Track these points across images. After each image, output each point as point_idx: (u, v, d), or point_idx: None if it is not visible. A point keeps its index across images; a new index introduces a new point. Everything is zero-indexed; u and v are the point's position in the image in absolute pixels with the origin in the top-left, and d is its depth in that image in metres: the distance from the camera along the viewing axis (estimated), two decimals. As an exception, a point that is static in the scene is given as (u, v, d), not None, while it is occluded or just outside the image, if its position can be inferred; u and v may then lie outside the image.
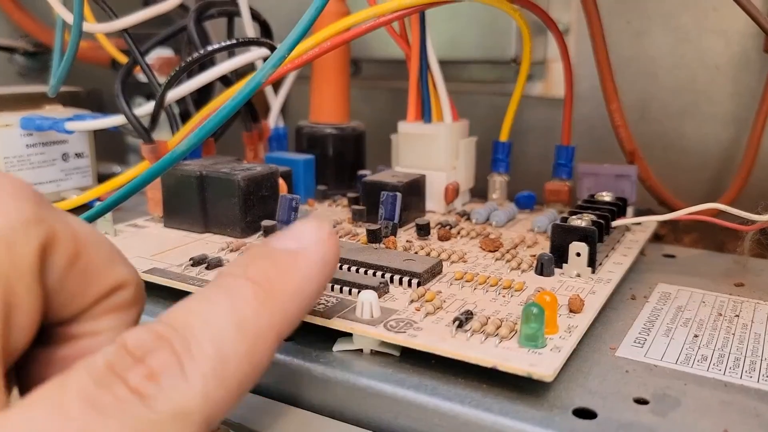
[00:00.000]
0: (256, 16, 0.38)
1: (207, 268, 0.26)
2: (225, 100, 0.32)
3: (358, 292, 0.22)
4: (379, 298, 0.23)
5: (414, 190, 0.33)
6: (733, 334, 0.23)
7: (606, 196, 0.30)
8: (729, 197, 0.39)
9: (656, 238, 0.35)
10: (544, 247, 0.29)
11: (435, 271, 0.25)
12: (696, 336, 0.23)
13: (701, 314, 0.25)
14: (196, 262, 0.26)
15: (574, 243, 0.25)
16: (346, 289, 0.23)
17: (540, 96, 0.48)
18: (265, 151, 0.40)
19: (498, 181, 0.37)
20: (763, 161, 0.41)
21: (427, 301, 0.23)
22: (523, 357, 0.19)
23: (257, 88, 0.22)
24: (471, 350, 0.19)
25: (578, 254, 0.25)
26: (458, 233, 0.31)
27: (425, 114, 0.35)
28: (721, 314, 0.25)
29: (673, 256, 0.32)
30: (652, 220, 0.28)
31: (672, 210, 0.37)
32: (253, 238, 0.30)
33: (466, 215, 0.34)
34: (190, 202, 0.30)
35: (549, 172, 0.36)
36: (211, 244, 0.29)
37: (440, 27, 0.42)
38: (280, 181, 0.32)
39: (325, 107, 0.38)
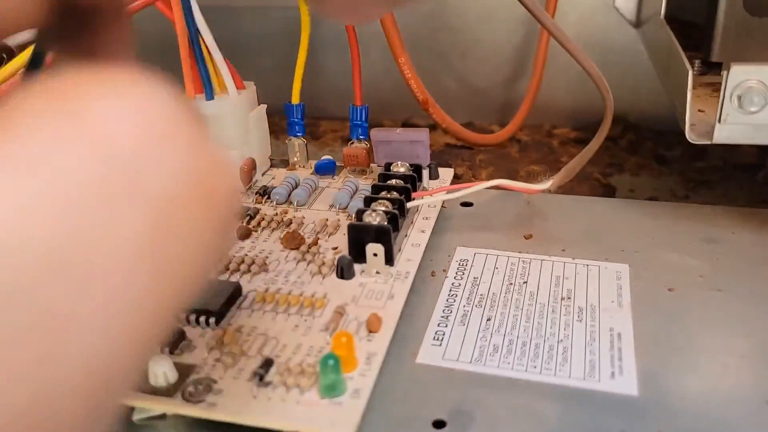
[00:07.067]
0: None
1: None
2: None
3: (151, 351, 0.21)
4: (176, 350, 0.22)
5: (206, 179, 0.30)
6: (521, 309, 0.25)
7: (401, 167, 0.30)
8: (526, 104, 0.41)
9: (455, 177, 0.36)
10: (345, 232, 0.29)
11: (234, 297, 0.24)
12: (489, 319, 0.24)
13: (494, 286, 0.26)
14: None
15: (370, 245, 0.25)
16: (138, 344, 0.22)
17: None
18: None
19: (297, 144, 0.35)
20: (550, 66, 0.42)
21: (226, 345, 0.22)
22: (324, 413, 0.19)
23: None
24: (273, 414, 0.19)
25: (375, 254, 0.25)
26: (259, 224, 0.30)
27: (206, 90, 0.32)
28: (511, 283, 0.27)
29: (470, 204, 0.33)
30: (444, 192, 0.29)
31: (467, 142, 0.39)
32: None
33: (267, 193, 0.32)
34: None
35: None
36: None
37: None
38: None
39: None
